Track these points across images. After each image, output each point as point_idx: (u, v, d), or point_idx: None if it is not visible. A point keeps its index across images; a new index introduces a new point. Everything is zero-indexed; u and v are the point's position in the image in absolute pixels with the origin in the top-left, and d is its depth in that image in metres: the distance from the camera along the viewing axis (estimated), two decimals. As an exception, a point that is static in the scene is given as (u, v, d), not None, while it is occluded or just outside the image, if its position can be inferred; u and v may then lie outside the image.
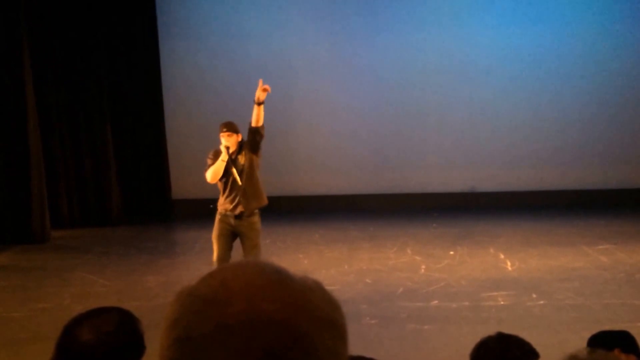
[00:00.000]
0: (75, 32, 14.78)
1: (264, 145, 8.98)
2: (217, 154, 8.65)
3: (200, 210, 15.26)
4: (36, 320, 8.81)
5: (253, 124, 8.60)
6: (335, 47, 16.00)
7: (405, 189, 16.05)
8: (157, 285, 10.35)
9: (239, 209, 8.63)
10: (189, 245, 13.28)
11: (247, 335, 1.08)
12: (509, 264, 11.05)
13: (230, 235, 8.75)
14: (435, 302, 9.25)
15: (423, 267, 11.03)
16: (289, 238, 13.07)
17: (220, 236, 8.73)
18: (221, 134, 8.58)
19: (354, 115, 16.04)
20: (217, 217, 8.79)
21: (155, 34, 15.67)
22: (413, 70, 15.92)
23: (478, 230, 13.55)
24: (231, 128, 8.62)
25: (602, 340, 4.31)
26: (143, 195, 15.91)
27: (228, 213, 8.68)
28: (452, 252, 11.87)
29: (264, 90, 8.55)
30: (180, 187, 15.95)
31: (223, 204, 8.72)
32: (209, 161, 8.69)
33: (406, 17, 15.88)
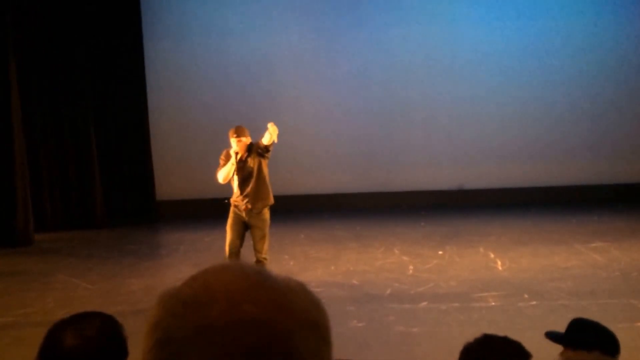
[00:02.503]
0: (60, 35, 14.70)
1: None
2: (228, 155, 9.31)
3: (185, 210, 15.27)
4: (18, 325, 8.72)
5: (264, 143, 9.16)
6: (319, 44, 15.93)
7: (393, 187, 15.98)
8: (140, 289, 10.24)
9: (248, 207, 9.33)
10: (173, 247, 13.22)
11: (228, 337, 1.07)
12: (499, 263, 10.92)
13: (242, 225, 9.44)
14: (424, 303, 9.10)
15: (411, 267, 10.90)
16: (273, 239, 12.69)
17: (233, 225, 9.43)
18: (231, 139, 9.21)
19: (338, 113, 15.96)
20: (231, 208, 9.51)
21: (139, 36, 15.61)
22: (399, 67, 15.85)
23: (467, 229, 13.45)
24: (241, 133, 9.21)
25: (582, 331, 4.24)
26: (127, 197, 15.79)
27: (239, 207, 9.39)
28: (441, 252, 11.76)
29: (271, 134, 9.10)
30: (165, 188, 15.87)
31: (235, 200, 9.45)
32: (221, 162, 9.36)
33: (391, 14, 15.80)
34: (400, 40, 15.84)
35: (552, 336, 4.36)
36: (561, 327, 7.87)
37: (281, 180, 15.65)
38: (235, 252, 9.29)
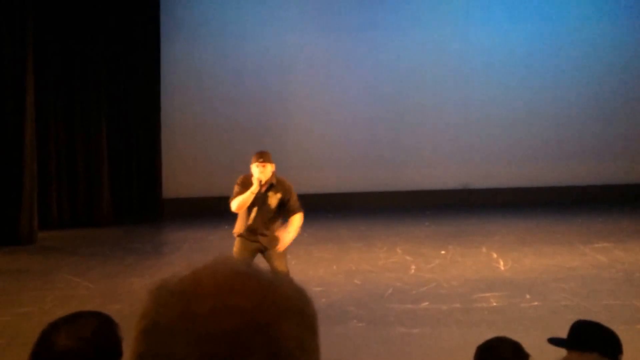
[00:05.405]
0: (78, 31, 14.71)
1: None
2: (245, 181, 8.06)
3: (191, 208, 15.24)
4: (16, 325, 8.61)
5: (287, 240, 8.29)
6: (331, 46, 16.00)
7: (398, 186, 15.93)
8: (141, 287, 10.07)
9: (260, 243, 8.20)
10: (177, 245, 13.18)
11: (212, 323, 1.09)
12: (502, 263, 10.85)
13: (253, 250, 8.24)
14: (426, 303, 9.03)
15: (413, 267, 10.85)
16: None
17: (242, 252, 8.13)
18: (254, 164, 7.99)
19: (346, 113, 15.97)
20: (238, 238, 8.29)
21: (157, 34, 15.64)
22: (407, 68, 15.91)
23: (470, 229, 13.42)
24: (267, 159, 8.04)
25: (584, 332, 4.15)
26: (134, 195, 15.84)
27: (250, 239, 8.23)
28: (443, 252, 11.71)
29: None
30: (172, 186, 15.86)
31: (244, 230, 8.19)
32: (236, 188, 8.07)
33: (402, 16, 15.85)
34: (411, 42, 15.91)
35: (555, 342, 4.31)
36: (563, 328, 7.80)
37: (290, 179, 15.69)
38: None
